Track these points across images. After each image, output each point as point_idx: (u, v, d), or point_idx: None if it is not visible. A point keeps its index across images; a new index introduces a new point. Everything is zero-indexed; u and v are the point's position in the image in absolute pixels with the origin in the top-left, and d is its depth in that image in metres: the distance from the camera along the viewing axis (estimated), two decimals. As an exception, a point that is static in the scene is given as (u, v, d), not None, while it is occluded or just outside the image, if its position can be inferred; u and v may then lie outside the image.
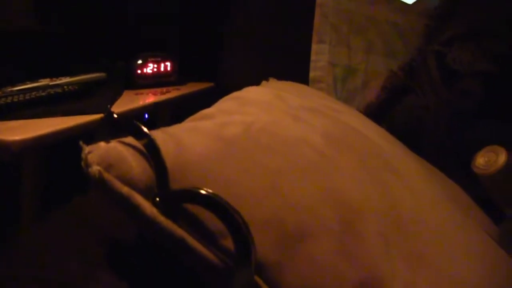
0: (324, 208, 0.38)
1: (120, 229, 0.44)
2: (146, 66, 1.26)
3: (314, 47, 1.11)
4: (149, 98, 1.13)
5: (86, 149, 0.37)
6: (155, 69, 1.27)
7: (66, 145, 0.71)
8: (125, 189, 0.35)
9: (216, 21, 1.34)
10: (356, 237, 0.38)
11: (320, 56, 1.11)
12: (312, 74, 1.11)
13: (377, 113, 1.02)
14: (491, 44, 1.01)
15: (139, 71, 1.25)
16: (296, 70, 1.14)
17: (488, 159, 0.65)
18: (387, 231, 0.41)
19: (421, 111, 1.01)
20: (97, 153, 0.36)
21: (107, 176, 0.35)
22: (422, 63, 1.04)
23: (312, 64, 1.11)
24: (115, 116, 0.38)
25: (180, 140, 0.39)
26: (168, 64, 1.29)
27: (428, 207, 0.51)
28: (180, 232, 0.34)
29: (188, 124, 0.46)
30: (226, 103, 0.53)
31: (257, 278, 0.35)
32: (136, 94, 1.17)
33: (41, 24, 1.20)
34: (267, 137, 0.43)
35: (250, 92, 0.57)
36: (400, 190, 0.48)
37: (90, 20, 1.27)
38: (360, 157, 0.48)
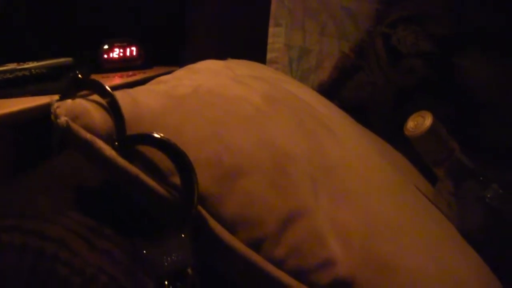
0: (258, 151, 0.46)
1: (84, 179, 0.51)
2: (113, 51, 1.30)
3: (271, 30, 1.19)
4: (115, 80, 1.18)
5: (55, 104, 0.43)
6: (121, 54, 1.31)
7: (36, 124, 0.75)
8: (88, 136, 0.42)
9: (180, 7, 1.39)
10: (286, 175, 0.46)
11: (276, 38, 1.18)
12: (269, 55, 1.18)
13: (329, 90, 1.10)
14: (433, 27, 1.10)
15: (105, 56, 1.29)
16: (255, 53, 1.20)
17: (416, 123, 0.73)
18: (314, 173, 0.49)
19: (369, 88, 1.10)
20: (64, 107, 0.43)
21: (73, 125, 0.42)
22: (370, 43, 1.13)
23: (269, 46, 1.19)
24: (80, 76, 0.45)
25: (136, 98, 0.46)
26: (134, 48, 1.33)
27: (357, 159, 0.59)
28: (135, 170, 0.41)
29: (145, 87, 0.53)
30: (179, 72, 0.60)
31: (200, 208, 0.42)
32: (103, 77, 1.21)
33: (6, 10, 1.23)
34: (212, 96, 0.50)
35: (202, 64, 0.65)
36: (331, 142, 0.56)
37: (56, 8, 1.31)
38: (295, 115, 0.55)
